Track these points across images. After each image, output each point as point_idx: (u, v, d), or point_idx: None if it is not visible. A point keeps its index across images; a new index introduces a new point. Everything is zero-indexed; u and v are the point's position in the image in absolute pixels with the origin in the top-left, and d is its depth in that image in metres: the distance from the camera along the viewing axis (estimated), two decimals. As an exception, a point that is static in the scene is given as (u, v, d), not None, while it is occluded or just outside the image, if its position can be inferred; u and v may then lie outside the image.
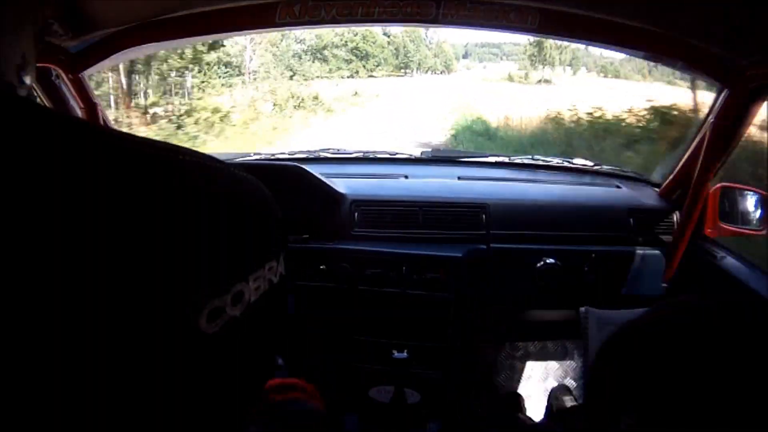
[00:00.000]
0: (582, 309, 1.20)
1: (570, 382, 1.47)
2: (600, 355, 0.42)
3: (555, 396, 1.39)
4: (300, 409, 0.53)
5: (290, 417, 0.52)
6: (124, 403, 0.20)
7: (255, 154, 1.48)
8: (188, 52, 9.02)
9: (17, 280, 0.17)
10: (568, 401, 1.31)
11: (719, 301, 0.37)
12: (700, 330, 0.35)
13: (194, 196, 0.23)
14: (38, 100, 1.03)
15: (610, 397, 0.39)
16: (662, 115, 6.79)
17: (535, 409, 1.44)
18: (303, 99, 11.82)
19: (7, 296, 0.17)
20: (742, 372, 0.32)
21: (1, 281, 0.17)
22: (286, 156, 1.50)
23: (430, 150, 1.58)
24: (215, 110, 8.79)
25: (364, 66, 24.97)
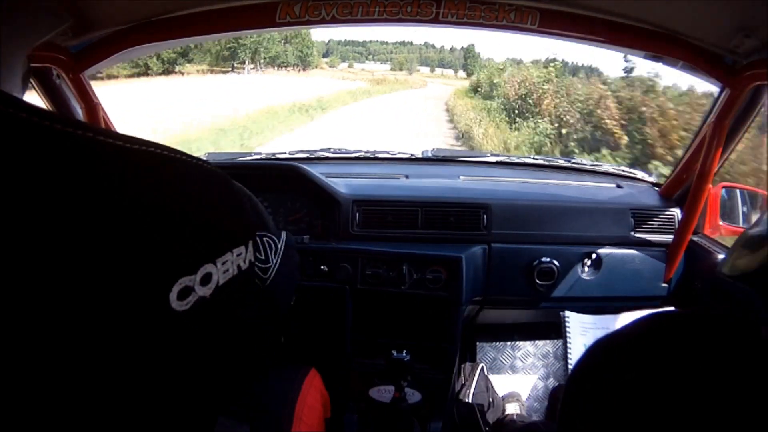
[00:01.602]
0: (562, 313, 1.20)
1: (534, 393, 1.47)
2: (573, 377, 0.40)
3: (556, 396, 1.39)
4: None
5: None
6: (95, 379, 0.21)
7: (255, 153, 1.48)
8: None
9: None
10: None
11: (693, 316, 0.36)
12: (676, 348, 0.33)
13: (161, 182, 0.25)
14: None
15: (584, 416, 0.38)
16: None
17: (535, 408, 1.44)
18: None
19: None
20: (720, 389, 0.30)
21: None
22: (287, 156, 1.50)
23: (430, 150, 1.58)
24: None
25: (158, 56, 14.04)
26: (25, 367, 0.18)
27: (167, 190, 0.25)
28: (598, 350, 0.38)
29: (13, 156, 0.19)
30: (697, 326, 0.34)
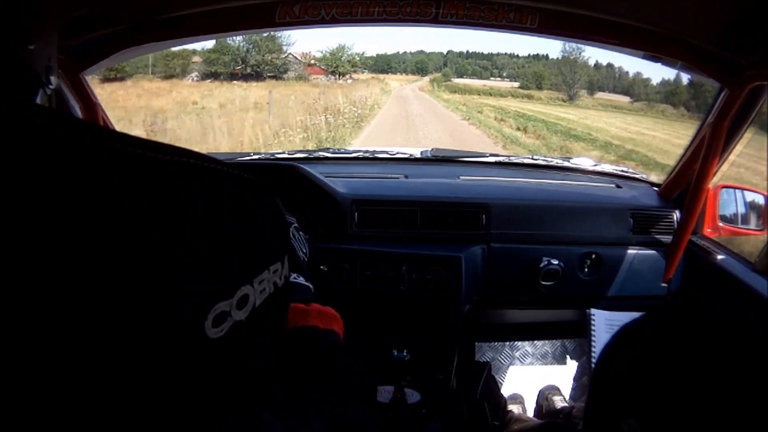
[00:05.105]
0: (589, 310, 1.20)
1: (569, 382, 1.47)
2: (602, 357, 0.42)
3: (545, 396, 1.39)
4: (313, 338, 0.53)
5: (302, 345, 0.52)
6: (126, 410, 0.20)
7: (255, 153, 1.48)
8: None
9: (21, 284, 0.18)
10: (558, 402, 1.31)
11: (722, 302, 0.37)
12: (704, 331, 0.35)
13: (199, 199, 0.23)
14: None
15: (612, 399, 0.39)
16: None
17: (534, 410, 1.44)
18: None
19: (13, 299, 0.17)
20: (746, 373, 0.32)
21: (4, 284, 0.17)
22: (286, 156, 1.50)
23: (430, 150, 1.58)
24: None
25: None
26: (48, 396, 0.18)
27: (208, 208, 0.23)
28: (623, 329, 0.44)
29: (63, 173, 0.18)
30: (700, 312, 0.38)
